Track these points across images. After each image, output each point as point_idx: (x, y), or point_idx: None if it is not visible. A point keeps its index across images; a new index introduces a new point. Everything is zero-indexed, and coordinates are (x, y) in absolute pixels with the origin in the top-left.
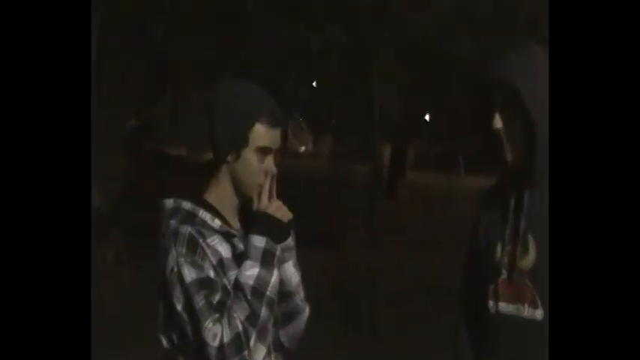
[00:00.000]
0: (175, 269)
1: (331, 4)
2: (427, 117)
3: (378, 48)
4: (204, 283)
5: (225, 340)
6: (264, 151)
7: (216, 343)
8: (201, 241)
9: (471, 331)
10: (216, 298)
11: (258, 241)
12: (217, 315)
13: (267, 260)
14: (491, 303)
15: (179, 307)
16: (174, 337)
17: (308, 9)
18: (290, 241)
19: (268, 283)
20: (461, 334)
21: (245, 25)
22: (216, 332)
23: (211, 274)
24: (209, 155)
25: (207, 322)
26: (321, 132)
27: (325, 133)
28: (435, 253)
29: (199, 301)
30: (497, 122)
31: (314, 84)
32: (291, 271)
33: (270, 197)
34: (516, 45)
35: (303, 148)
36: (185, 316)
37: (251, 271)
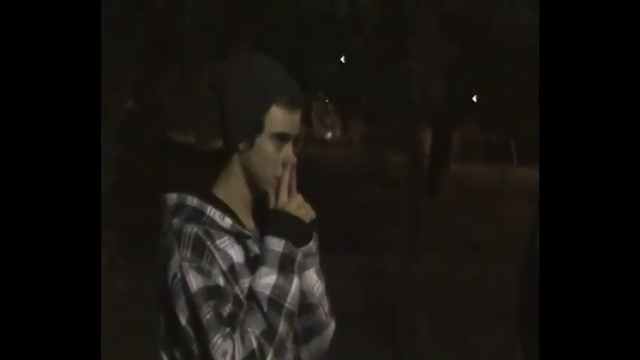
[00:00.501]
0: (179, 276)
1: None
2: (475, 98)
3: (418, 17)
4: (213, 293)
5: (238, 358)
6: (281, 138)
7: None
8: (209, 242)
9: (528, 348)
10: (227, 309)
11: (276, 245)
12: (228, 329)
13: (286, 267)
14: None
15: (183, 320)
16: (178, 354)
17: None
18: (312, 244)
19: (287, 292)
20: (516, 351)
21: None
22: (226, 349)
23: (221, 281)
24: (219, 143)
25: (215, 338)
26: (351, 115)
27: (355, 116)
28: (484, 258)
29: (207, 313)
30: None
31: (342, 60)
32: (313, 279)
33: (289, 192)
34: None
35: (329, 135)
36: (190, 331)
37: (267, 279)
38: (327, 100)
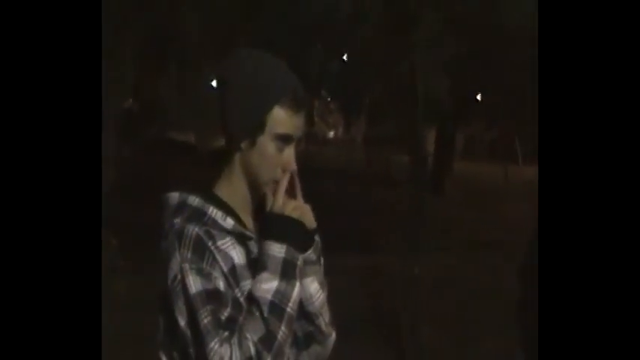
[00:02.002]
0: (179, 277)
1: None
2: (479, 96)
3: (422, 14)
4: (212, 296)
5: None
6: (283, 140)
7: None
8: (210, 243)
9: (528, 348)
10: (225, 313)
11: (277, 250)
12: (226, 333)
13: (288, 272)
14: None
15: (182, 322)
16: (176, 356)
17: None
18: (311, 253)
19: (289, 297)
20: (517, 351)
21: None
22: (223, 355)
23: (221, 284)
24: (220, 142)
25: (212, 343)
26: (354, 114)
27: (358, 115)
28: (489, 258)
29: (205, 317)
30: None
31: (344, 57)
32: (313, 289)
33: (292, 198)
34: None
35: (331, 134)
36: (188, 333)
37: (268, 285)
38: (329, 99)
